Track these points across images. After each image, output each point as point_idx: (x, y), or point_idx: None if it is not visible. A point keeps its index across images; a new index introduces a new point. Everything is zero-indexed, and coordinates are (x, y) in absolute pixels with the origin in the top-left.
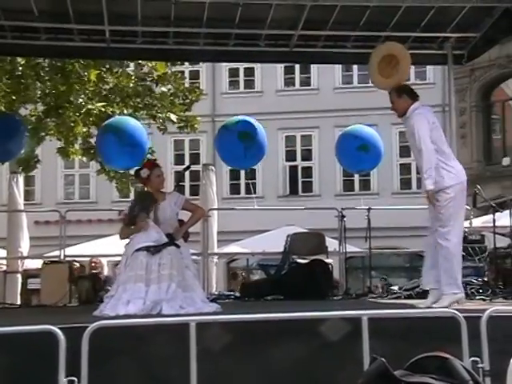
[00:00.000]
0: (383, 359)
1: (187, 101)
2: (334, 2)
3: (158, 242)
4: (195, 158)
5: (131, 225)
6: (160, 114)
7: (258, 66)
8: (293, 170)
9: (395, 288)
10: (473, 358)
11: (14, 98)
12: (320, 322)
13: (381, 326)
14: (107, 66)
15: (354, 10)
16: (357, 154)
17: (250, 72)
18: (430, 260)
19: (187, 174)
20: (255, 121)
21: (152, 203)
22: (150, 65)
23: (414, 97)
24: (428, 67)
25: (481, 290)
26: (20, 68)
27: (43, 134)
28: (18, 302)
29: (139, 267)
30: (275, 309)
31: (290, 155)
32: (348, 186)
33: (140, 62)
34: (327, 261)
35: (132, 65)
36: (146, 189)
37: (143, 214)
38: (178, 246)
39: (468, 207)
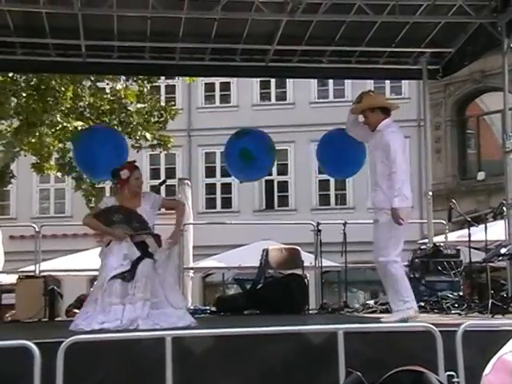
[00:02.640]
0: (359, 373)
1: (162, 119)
2: (310, 18)
3: (129, 257)
4: (171, 173)
5: (105, 225)
6: (135, 132)
7: (233, 81)
8: (269, 184)
9: (371, 302)
10: (448, 373)
11: None
12: (296, 336)
13: (356, 340)
14: (83, 83)
15: (329, 24)
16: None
17: (225, 86)
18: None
19: (163, 188)
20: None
21: (141, 229)
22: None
23: (387, 112)
24: (403, 82)
25: (456, 305)
26: None
27: (18, 149)
28: None
29: (114, 294)
30: (251, 323)
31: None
32: (324, 200)
33: (114, 79)
34: (303, 275)
35: (107, 83)
36: (118, 191)
37: (124, 227)
38: (151, 257)
39: (443, 221)
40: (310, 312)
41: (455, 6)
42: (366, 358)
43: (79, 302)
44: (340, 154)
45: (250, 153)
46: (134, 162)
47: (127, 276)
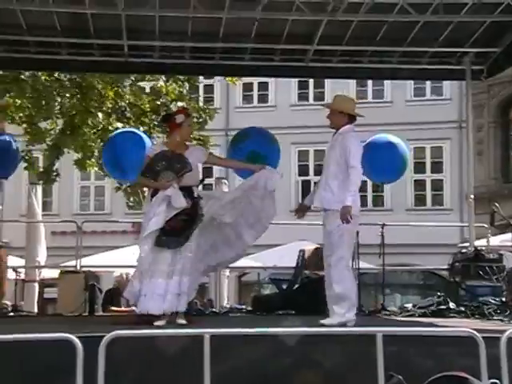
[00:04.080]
0: (400, 377)
1: (201, 120)
2: (351, 18)
3: (171, 199)
4: (208, 172)
5: (152, 179)
6: None
7: (271, 81)
8: (306, 184)
9: (409, 306)
10: (492, 380)
11: (33, 112)
12: (334, 337)
13: (395, 344)
14: (124, 83)
15: (370, 24)
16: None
17: (263, 86)
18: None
19: (200, 187)
20: (267, 134)
21: (182, 168)
22: (164, 85)
23: (352, 119)
24: (444, 83)
25: (498, 311)
26: (41, 84)
27: (62, 148)
28: (35, 311)
29: (162, 262)
30: (287, 323)
31: (303, 170)
32: (361, 201)
33: (155, 79)
34: None
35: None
36: (168, 137)
37: (168, 173)
38: (196, 207)
39: (485, 225)
40: None
41: (502, 5)
42: (405, 362)
43: (109, 297)
44: (380, 158)
45: (258, 153)
46: (187, 109)
47: (173, 244)
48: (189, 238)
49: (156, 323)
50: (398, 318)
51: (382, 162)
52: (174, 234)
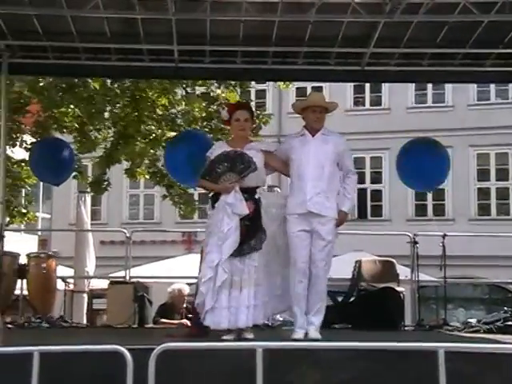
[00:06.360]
0: None
1: (254, 125)
2: (410, 19)
3: (233, 206)
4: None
5: (213, 181)
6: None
7: (326, 85)
8: (362, 193)
9: (473, 321)
10: None
11: (85, 120)
12: (393, 353)
13: (458, 360)
14: (175, 90)
15: (430, 25)
16: None
17: (317, 91)
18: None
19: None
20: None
21: (246, 168)
22: (218, 91)
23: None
24: (510, 85)
25: None
26: (92, 91)
27: (115, 158)
28: (84, 322)
29: (233, 273)
30: (343, 337)
31: (359, 178)
32: (420, 210)
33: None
34: (398, 289)
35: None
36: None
37: (230, 175)
38: (257, 211)
39: None
40: (406, 329)
41: None
42: (469, 379)
43: (163, 312)
44: (419, 165)
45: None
46: (246, 101)
47: (244, 250)
48: (253, 244)
49: (223, 338)
50: (462, 334)
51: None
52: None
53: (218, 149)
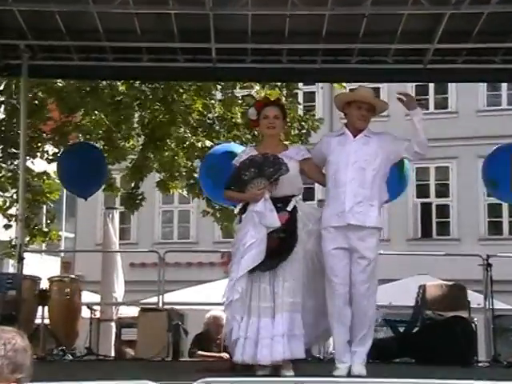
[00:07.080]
0: None
1: (303, 131)
2: (480, 10)
3: (262, 216)
4: (310, 194)
5: (239, 190)
6: None
7: (383, 86)
8: (426, 208)
9: None
10: None
11: (112, 127)
12: None
13: None
14: (212, 92)
15: (504, 17)
16: None
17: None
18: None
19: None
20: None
21: (276, 172)
22: (262, 94)
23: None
24: None
25: None
26: (120, 94)
27: (145, 168)
28: (112, 354)
29: (262, 298)
30: (406, 374)
31: (422, 191)
32: (495, 228)
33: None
34: (469, 318)
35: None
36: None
37: (258, 181)
38: (293, 222)
39: None
40: (480, 364)
41: None
42: None
43: (199, 343)
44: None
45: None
46: (277, 98)
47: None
48: (288, 259)
49: (258, 373)
50: None
51: None
52: (269, 255)
53: (245, 155)
